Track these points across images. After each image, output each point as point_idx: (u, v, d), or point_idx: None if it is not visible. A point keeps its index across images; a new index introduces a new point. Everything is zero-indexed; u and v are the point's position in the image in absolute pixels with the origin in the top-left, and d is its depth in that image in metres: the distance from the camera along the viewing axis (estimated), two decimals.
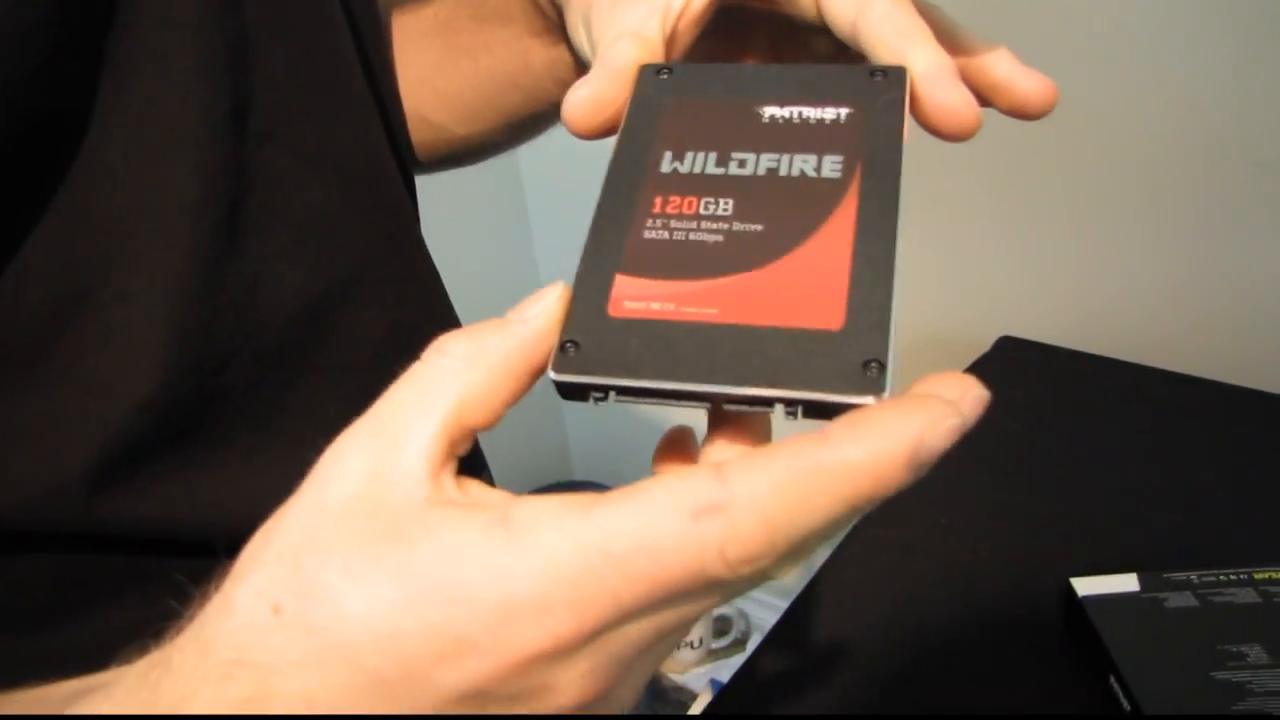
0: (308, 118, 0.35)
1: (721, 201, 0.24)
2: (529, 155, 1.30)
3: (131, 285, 0.30)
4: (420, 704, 0.19)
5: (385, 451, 0.20)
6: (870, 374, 0.20)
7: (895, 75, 0.26)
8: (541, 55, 0.42)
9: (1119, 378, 0.79)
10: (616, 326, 0.22)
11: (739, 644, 1.44)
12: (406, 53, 0.47)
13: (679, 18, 0.29)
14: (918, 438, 0.18)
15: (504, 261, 1.35)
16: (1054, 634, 0.56)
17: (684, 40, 0.30)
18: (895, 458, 0.18)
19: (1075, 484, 0.68)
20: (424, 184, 0.51)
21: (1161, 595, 0.55)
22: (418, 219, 0.45)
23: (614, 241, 0.24)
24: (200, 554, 0.21)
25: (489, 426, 0.21)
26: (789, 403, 0.20)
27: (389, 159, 0.40)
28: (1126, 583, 0.56)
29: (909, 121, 0.25)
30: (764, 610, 1.45)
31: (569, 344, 0.22)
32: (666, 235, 0.23)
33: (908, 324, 1.09)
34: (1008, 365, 0.83)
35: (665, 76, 0.27)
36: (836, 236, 0.23)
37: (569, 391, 0.22)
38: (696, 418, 0.23)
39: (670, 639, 0.21)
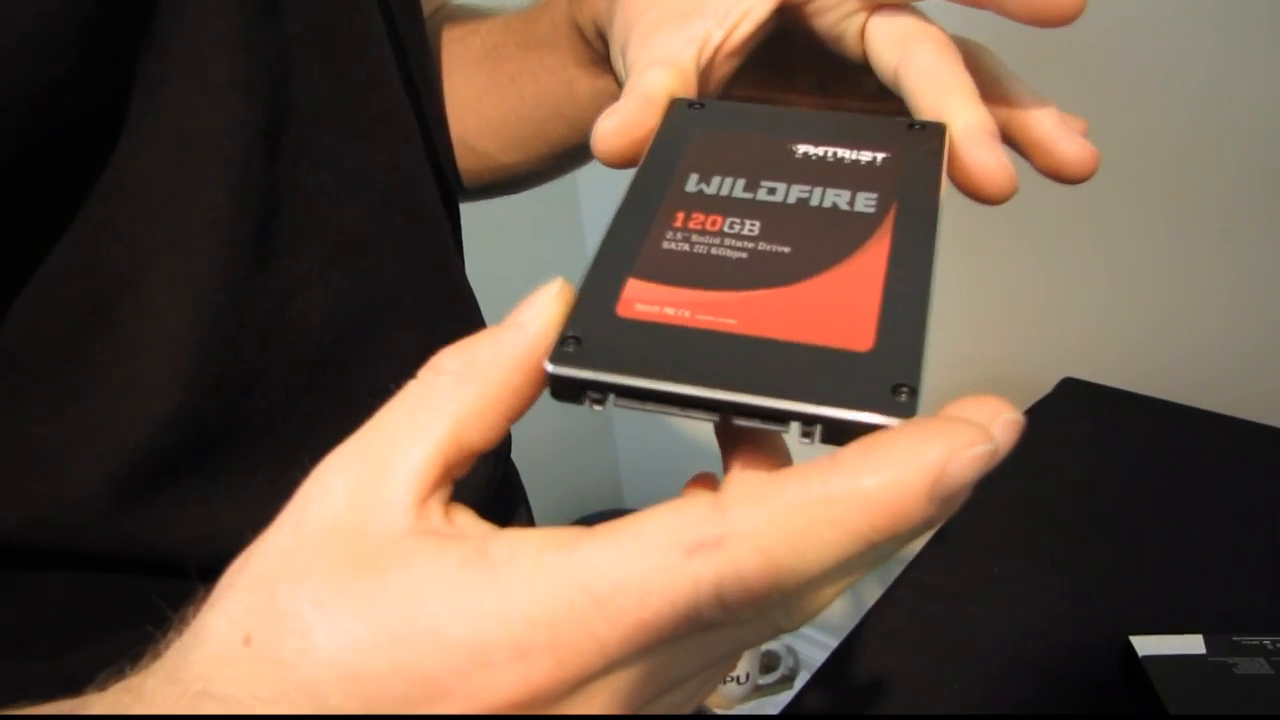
0: (344, 137, 0.35)
1: (748, 223, 0.23)
2: (586, 180, 1.31)
3: (155, 300, 0.30)
4: None
5: (370, 476, 0.19)
6: (900, 398, 0.18)
7: (934, 130, 0.25)
8: (586, 86, 0.42)
9: (1186, 423, 0.76)
10: (624, 326, 0.20)
11: (787, 680, 1.41)
12: (453, 78, 0.47)
13: (718, 49, 0.28)
14: (940, 465, 0.16)
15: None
16: (1110, 695, 0.53)
17: (722, 72, 0.29)
18: (914, 488, 0.16)
19: (1138, 535, 0.64)
20: (476, 208, 0.51)
21: (1230, 660, 0.51)
22: (457, 243, 0.45)
23: (629, 248, 0.22)
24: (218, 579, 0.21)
25: (490, 445, 0.20)
26: (807, 420, 0.19)
27: (428, 181, 0.40)
28: (1191, 644, 0.52)
29: (945, 176, 0.24)
30: (812, 647, 1.42)
31: (570, 338, 0.20)
32: (687, 248, 0.22)
33: (966, 362, 1.07)
34: (1070, 408, 0.80)
35: (697, 110, 0.27)
36: (869, 265, 0.22)
37: (564, 389, 0.20)
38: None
39: (678, 694, 0.20)
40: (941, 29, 0.27)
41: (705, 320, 0.20)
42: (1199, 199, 0.80)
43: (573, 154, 0.47)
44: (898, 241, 0.22)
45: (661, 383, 0.19)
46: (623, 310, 0.21)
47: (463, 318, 0.42)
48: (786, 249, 0.22)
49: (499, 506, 0.48)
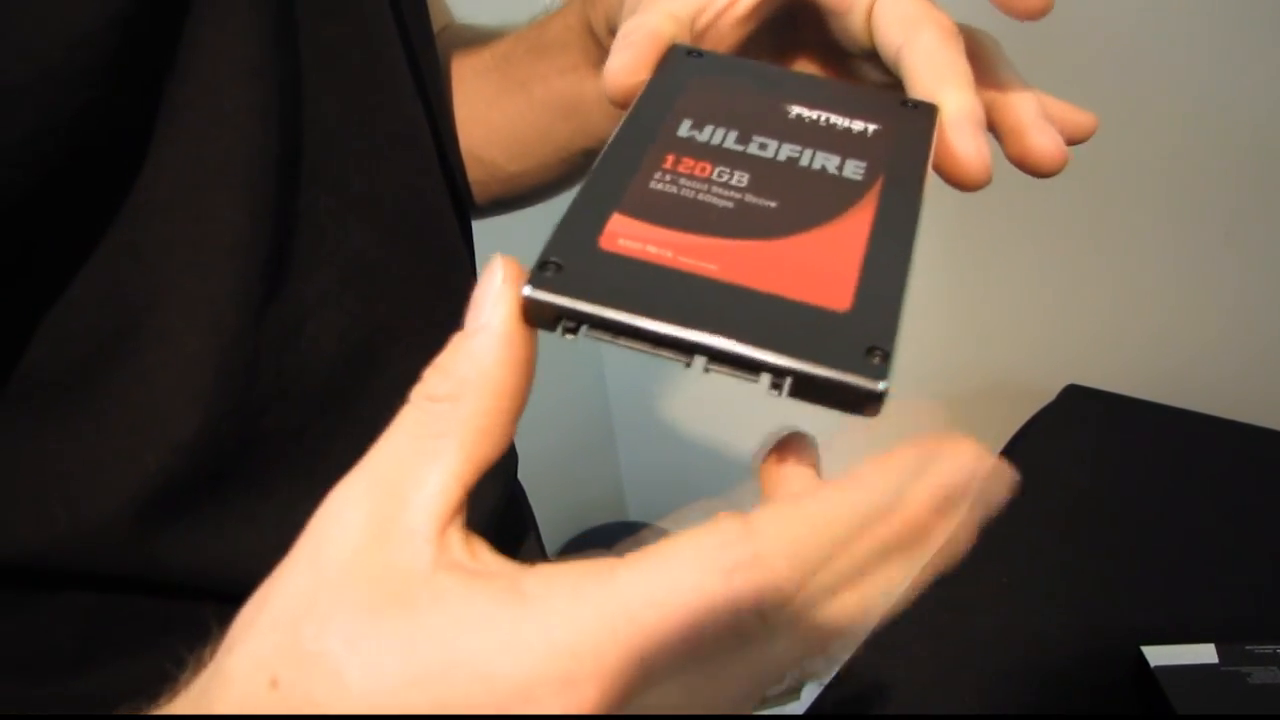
0: (356, 161, 0.35)
1: (737, 174, 0.23)
2: None
3: (175, 324, 0.30)
4: None
5: (387, 507, 0.19)
6: (874, 361, 0.19)
7: (926, 110, 0.25)
8: (594, 87, 0.42)
9: (1192, 429, 0.75)
10: (605, 258, 0.20)
11: (794, 691, 1.40)
12: (462, 90, 0.47)
13: (721, 12, 0.28)
14: (959, 487, 0.18)
15: None
16: (1122, 706, 0.53)
17: (728, 41, 0.29)
18: (939, 508, 0.18)
19: (1147, 543, 0.64)
20: (487, 230, 0.51)
21: (1243, 669, 0.51)
22: (471, 266, 0.44)
23: (617, 183, 0.22)
24: (234, 605, 0.20)
25: (502, 452, 0.20)
26: (778, 372, 0.19)
27: (442, 204, 0.40)
28: (1204, 653, 0.52)
29: (932, 155, 0.25)
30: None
31: (550, 263, 0.20)
32: (674, 190, 0.22)
33: (970, 370, 1.07)
34: (1074, 415, 0.80)
35: (695, 58, 0.27)
36: (852, 229, 0.22)
37: (538, 314, 0.20)
38: (811, 421, 0.21)
39: (723, 703, 0.20)
40: (947, 15, 0.27)
41: (687, 262, 0.21)
42: (1202, 204, 0.80)
43: (580, 160, 0.47)
44: (882, 211, 0.23)
45: (637, 318, 0.19)
46: (605, 243, 0.21)
47: None
48: (773, 204, 0.22)
49: (508, 529, 0.48)
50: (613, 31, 0.38)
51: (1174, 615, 0.57)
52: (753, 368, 0.19)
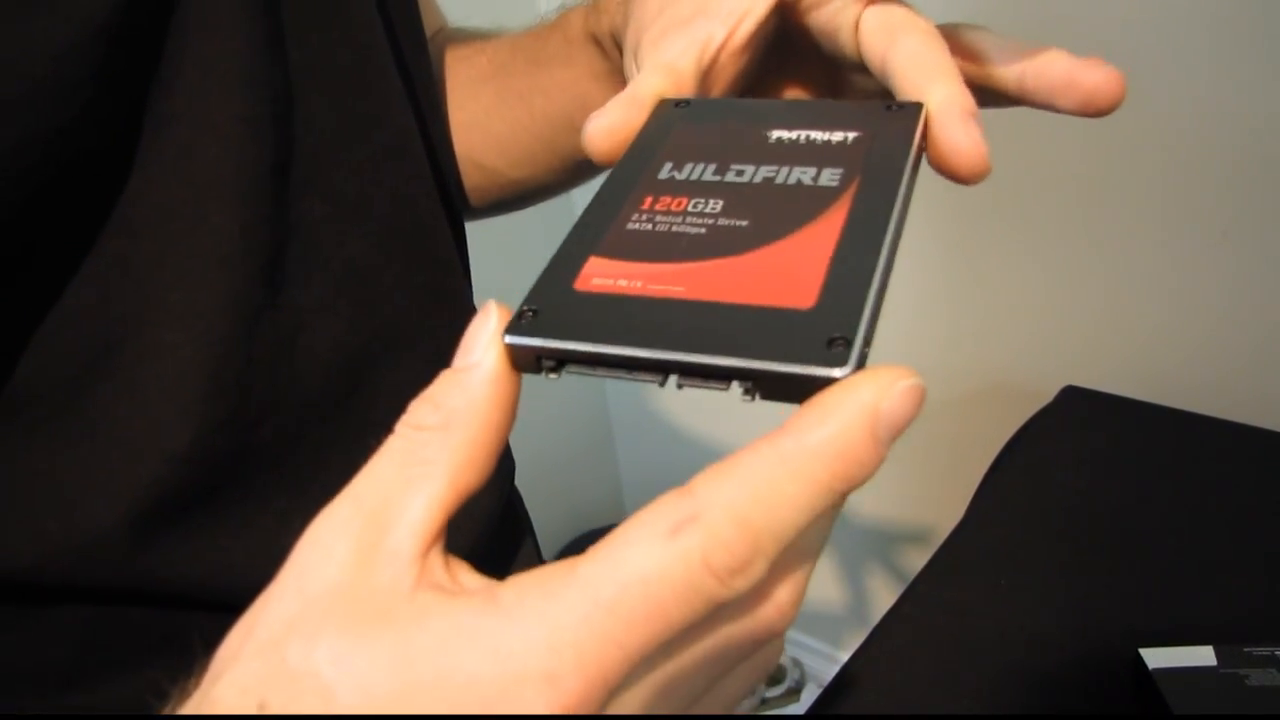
0: (348, 169, 0.35)
1: (711, 202, 0.24)
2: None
3: (167, 336, 0.30)
4: None
5: (371, 533, 0.19)
6: (835, 350, 0.19)
7: (911, 109, 0.25)
8: (600, 99, 0.42)
9: (1189, 430, 0.75)
10: (578, 298, 0.21)
11: (793, 693, 1.40)
12: (458, 97, 0.47)
13: (720, 49, 0.29)
14: (874, 405, 0.18)
15: None
16: (1121, 709, 0.53)
17: (728, 72, 0.29)
18: (857, 431, 0.18)
19: (1145, 545, 0.64)
20: (483, 231, 0.51)
21: (1242, 671, 0.51)
22: (464, 272, 0.44)
23: (596, 230, 0.23)
24: (229, 616, 0.20)
25: (484, 482, 0.21)
26: (743, 376, 0.19)
27: (435, 210, 0.40)
28: (1202, 655, 0.52)
29: (917, 151, 0.25)
30: (819, 660, 1.42)
31: (527, 311, 0.21)
32: (650, 227, 0.23)
33: (967, 372, 1.07)
34: (1072, 417, 0.80)
35: (682, 108, 0.27)
36: (822, 232, 0.22)
37: (520, 359, 0.21)
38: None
39: (705, 705, 0.20)
40: (929, 21, 0.27)
41: (655, 289, 0.21)
42: (1198, 205, 0.80)
43: (584, 166, 0.47)
44: (856, 211, 0.23)
45: (606, 347, 0.20)
46: (579, 285, 0.22)
47: None
48: (745, 223, 0.23)
49: (505, 534, 0.48)
50: (617, 44, 0.38)
51: (1172, 617, 0.57)
52: (720, 376, 0.19)
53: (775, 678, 1.40)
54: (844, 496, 0.18)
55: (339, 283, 0.34)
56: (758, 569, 0.18)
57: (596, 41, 0.40)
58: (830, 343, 0.19)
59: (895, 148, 0.24)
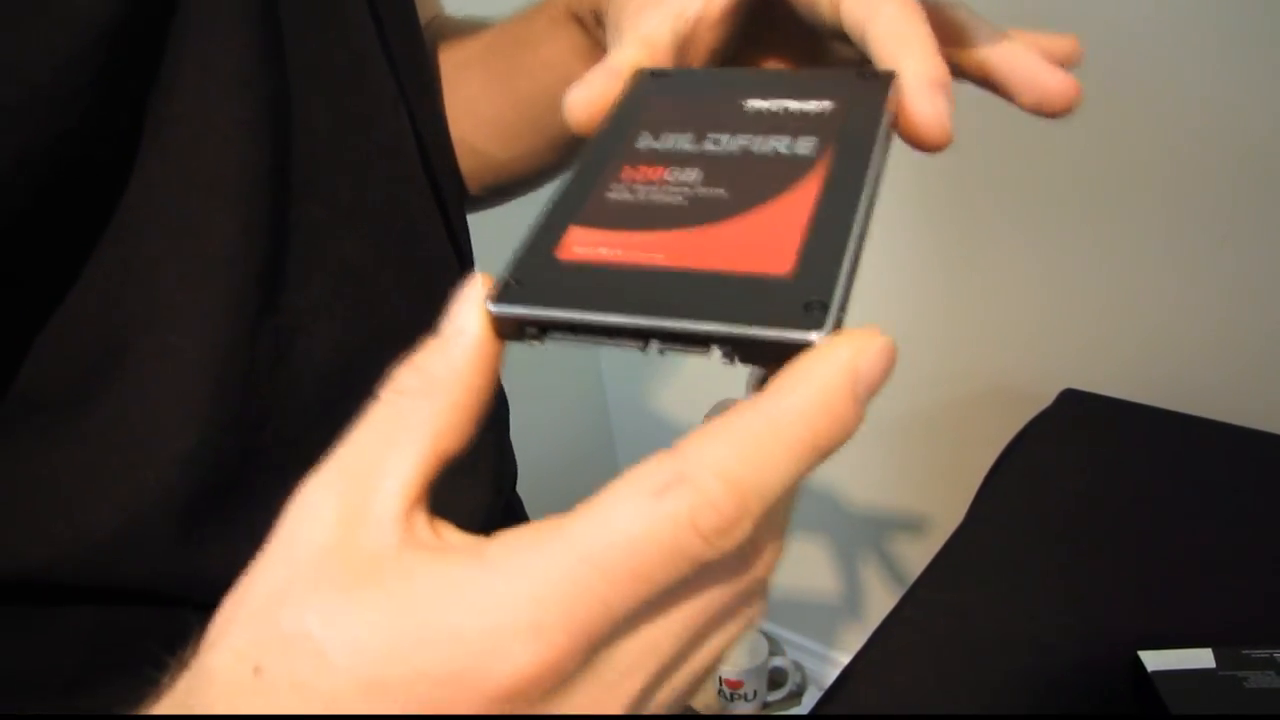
0: (343, 172, 0.35)
1: (689, 171, 0.24)
2: None
3: (171, 339, 0.30)
4: None
5: (355, 496, 0.20)
6: (813, 314, 0.19)
7: (883, 78, 0.26)
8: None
9: (1188, 433, 0.76)
10: (560, 267, 0.22)
11: (795, 697, 1.40)
12: (448, 83, 0.47)
13: (696, 21, 0.29)
14: (852, 364, 0.18)
15: None
16: (1120, 710, 0.53)
17: (705, 43, 0.30)
18: (838, 390, 0.18)
19: (1144, 548, 0.64)
20: (485, 228, 0.51)
21: (1240, 674, 0.51)
22: (465, 266, 0.45)
23: (576, 199, 0.24)
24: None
25: (466, 447, 0.21)
26: (724, 341, 0.19)
27: (428, 211, 0.40)
28: (1200, 658, 0.52)
29: (889, 120, 0.25)
30: (819, 663, 1.42)
31: (510, 281, 0.21)
32: (629, 196, 0.24)
33: (966, 375, 1.06)
34: (1071, 420, 0.80)
35: (660, 79, 0.28)
36: (798, 200, 0.23)
37: (504, 328, 0.21)
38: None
39: (690, 664, 0.20)
40: None
41: (636, 256, 0.22)
42: (1197, 207, 0.80)
43: (573, 146, 0.47)
44: (830, 179, 0.23)
45: (589, 314, 0.20)
46: (561, 254, 0.22)
47: None
48: (722, 191, 0.23)
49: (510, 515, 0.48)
50: (599, 21, 0.38)
51: (1171, 620, 0.58)
52: (699, 341, 0.20)
53: (776, 681, 1.40)
54: (826, 456, 0.19)
55: (335, 284, 0.35)
56: (744, 528, 0.18)
57: (579, 20, 0.41)
58: (807, 307, 0.19)
59: (868, 116, 0.25)
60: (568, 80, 0.44)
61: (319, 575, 0.19)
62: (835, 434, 0.18)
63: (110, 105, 0.27)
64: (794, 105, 0.26)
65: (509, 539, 0.19)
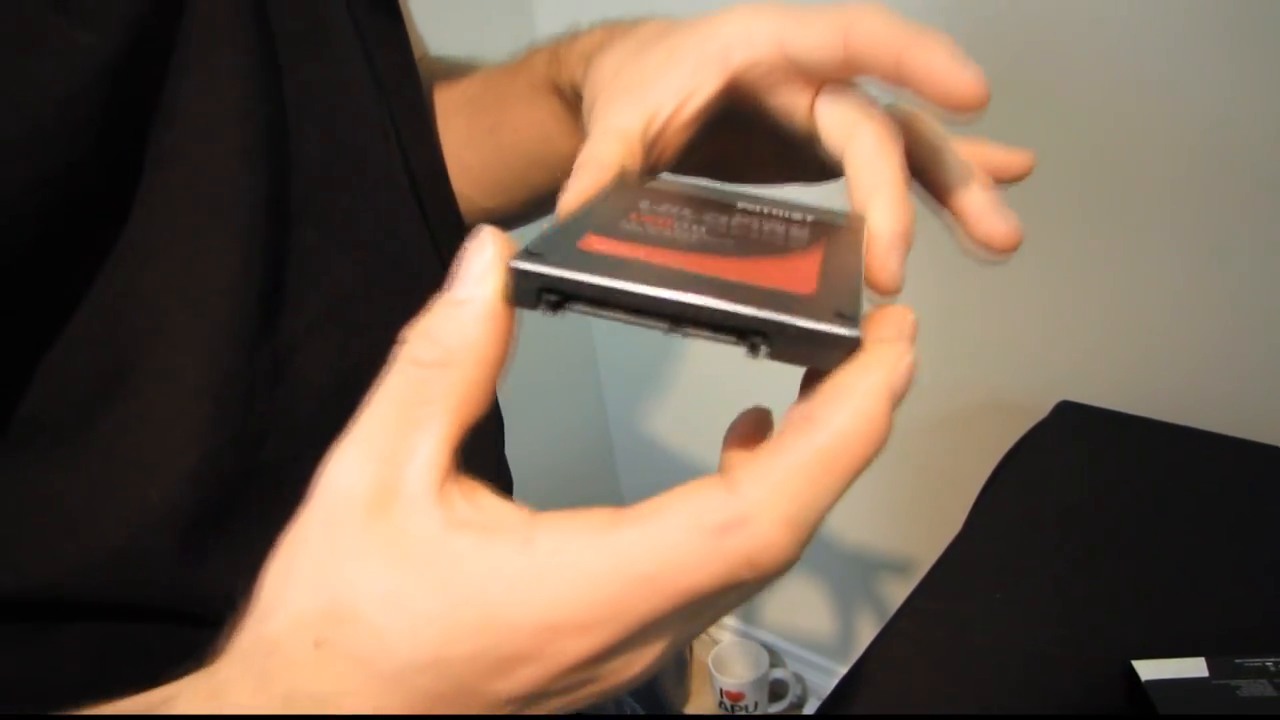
0: (336, 199, 0.36)
1: (695, 227, 0.25)
2: None
3: (174, 361, 0.31)
4: (477, 708, 0.20)
5: (384, 476, 0.20)
6: (845, 319, 0.20)
7: (857, 220, 0.27)
8: (562, 142, 0.44)
9: (1184, 444, 0.76)
10: (585, 253, 0.21)
11: (795, 709, 1.40)
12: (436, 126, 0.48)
13: (669, 121, 0.30)
14: (887, 385, 0.19)
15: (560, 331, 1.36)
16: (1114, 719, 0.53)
17: (677, 142, 0.31)
18: (876, 412, 0.19)
19: (1139, 558, 0.65)
20: None
21: (1233, 682, 0.51)
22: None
23: (585, 220, 0.24)
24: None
25: (485, 413, 0.22)
26: (762, 329, 0.19)
27: (418, 237, 0.41)
28: (1194, 667, 0.53)
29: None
30: (821, 675, 1.42)
31: (533, 251, 0.21)
32: (640, 229, 0.24)
33: (962, 387, 1.06)
34: (1068, 431, 0.80)
35: (646, 179, 0.29)
36: (806, 259, 0.24)
37: (522, 287, 0.20)
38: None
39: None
40: (883, 111, 0.29)
41: (661, 259, 0.22)
42: (1194, 219, 0.81)
43: (554, 199, 0.48)
44: (829, 254, 0.24)
45: (619, 282, 0.20)
46: (584, 245, 0.22)
47: None
48: (730, 243, 0.24)
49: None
50: (578, 94, 0.39)
51: (1165, 629, 0.58)
52: (733, 325, 0.20)
53: (777, 693, 1.40)
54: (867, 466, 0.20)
55: (330, 307, 0.36)
56: (796, 557, 0.19)
57: (558, 89, 0.42)
58: (838, 314, 0.20)
59: (851, 242, 0.26)
60: (549, 142, 0.45)
61: (366, 558, 0.20)
62: (875, 452, 0.20)
63: (113, 137, 0.28)
64: (780, 212, 0.27)
65: (559, 529, 0.20)
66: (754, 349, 0.20)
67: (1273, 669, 0.52)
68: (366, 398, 0.21)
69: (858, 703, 0.57)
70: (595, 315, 0.20)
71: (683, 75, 0.29)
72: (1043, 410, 0.83)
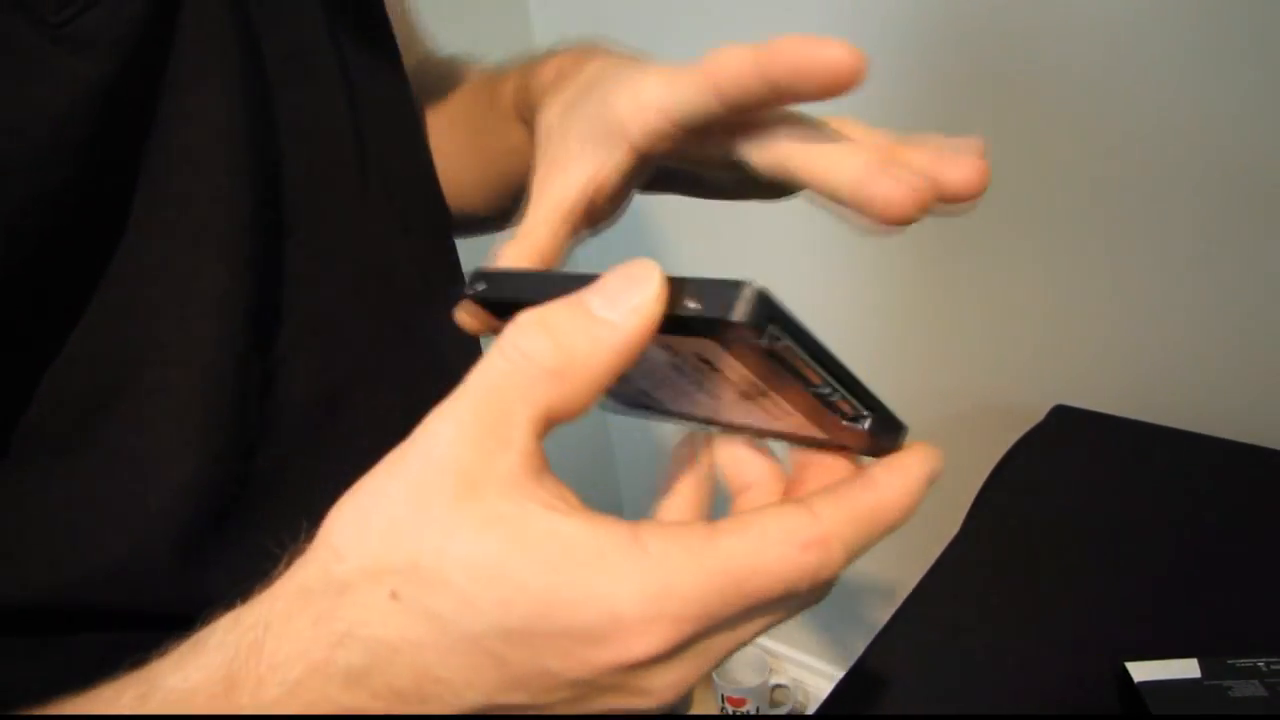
0: (322, 215, 0.37)
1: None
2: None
3: (168, 375, 0.32)
4: (532, 687, 0.21)
5: (478, 460, 0.21)
6: (902, 430, 0.26)
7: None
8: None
9: (1180, 448, 0.76)
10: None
11: (796, 714, 1.40)
12: (432, 141, 0.50)
13: (596, 190, 0.31)
14: (931, 473, 0.24)
15: None
16: None
17: (610, 207, 0.33)
18: (919, 491, 0.24)
19: (1133, 561, 0.65)
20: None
21: (1225, 683, 0.52)
22: (434, 309, 0.46)
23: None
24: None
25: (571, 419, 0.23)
26: (874, 410, 0.25)
27: (399, 254, 0.42)
28: (1187, 668, 0.53)
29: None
30: (822, 681, 1.42)
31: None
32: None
33: (957, 392, 1.06)
34: (1063, 435, 0.81)
35: None
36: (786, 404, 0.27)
37: (759, 314, 0.21)
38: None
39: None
40: (796, 114, 0.29)
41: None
42: (1188, 222, 0.81)
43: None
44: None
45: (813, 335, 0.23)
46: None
47: (441, 377, 0.44)
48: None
49: None
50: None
51: (1158, 631, 0.58)
52: (869, 404, 0.25)
53: (778, 700, 1.40)
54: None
55: (314, 322, 0.36)
56: (835, 582, 0.23)
57: (525, 120, 0.42)
58: (898, 429, 0.26)
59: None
60: (525, 167, 0.46)
61: (453, 527, 0.20)
62: (906, 519, 0.24)
63: (106, 158, 0.29)
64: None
65: (666, 535, 0.21)
66: (861, 419, 0.25)
67: (1265, 669, 0.52)
68: (469, 373, 0.22)
69: (854, 706, 0.58)
70: (798, 358, 0.23)
71: (592, 154, 0.31)
72: (1038, 414, 0.84)
